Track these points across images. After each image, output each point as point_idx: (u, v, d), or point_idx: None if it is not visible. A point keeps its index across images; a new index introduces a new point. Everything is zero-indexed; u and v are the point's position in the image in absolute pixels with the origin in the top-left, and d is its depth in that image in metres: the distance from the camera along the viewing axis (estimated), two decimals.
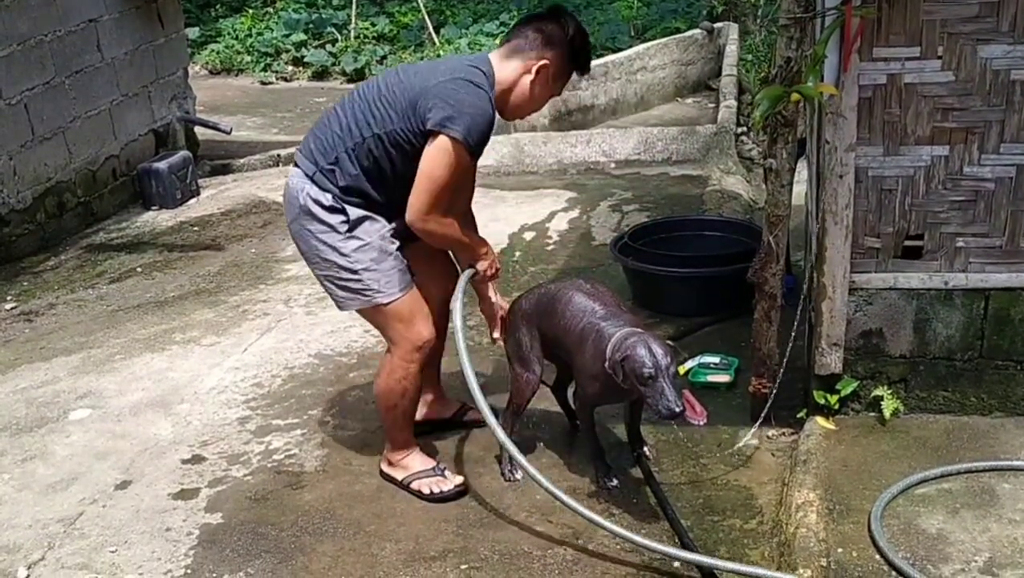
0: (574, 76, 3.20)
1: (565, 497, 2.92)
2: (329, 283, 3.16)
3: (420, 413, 3.53)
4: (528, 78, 3.05)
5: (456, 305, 3.20)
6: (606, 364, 2.90)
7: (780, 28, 3.07)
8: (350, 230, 3.05)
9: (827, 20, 2.95)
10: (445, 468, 3.33)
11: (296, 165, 3.14)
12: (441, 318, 3.34)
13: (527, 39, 3.05)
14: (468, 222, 3.34)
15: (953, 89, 3.03)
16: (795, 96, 2.90)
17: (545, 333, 3.25)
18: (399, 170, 3.01)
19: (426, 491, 3.24)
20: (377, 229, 3.08)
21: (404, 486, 3.29)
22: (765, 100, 2.92)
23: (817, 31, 3.07)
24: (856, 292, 3.27)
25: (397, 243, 3.12)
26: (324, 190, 3.04)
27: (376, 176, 3.03)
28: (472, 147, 2.94)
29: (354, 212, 3.05)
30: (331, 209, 3.04)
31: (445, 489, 3.24)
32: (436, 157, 2.92)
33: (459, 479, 3.28)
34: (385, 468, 3.37)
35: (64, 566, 3.03)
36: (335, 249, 3.06)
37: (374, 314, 3.17)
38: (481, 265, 3.24)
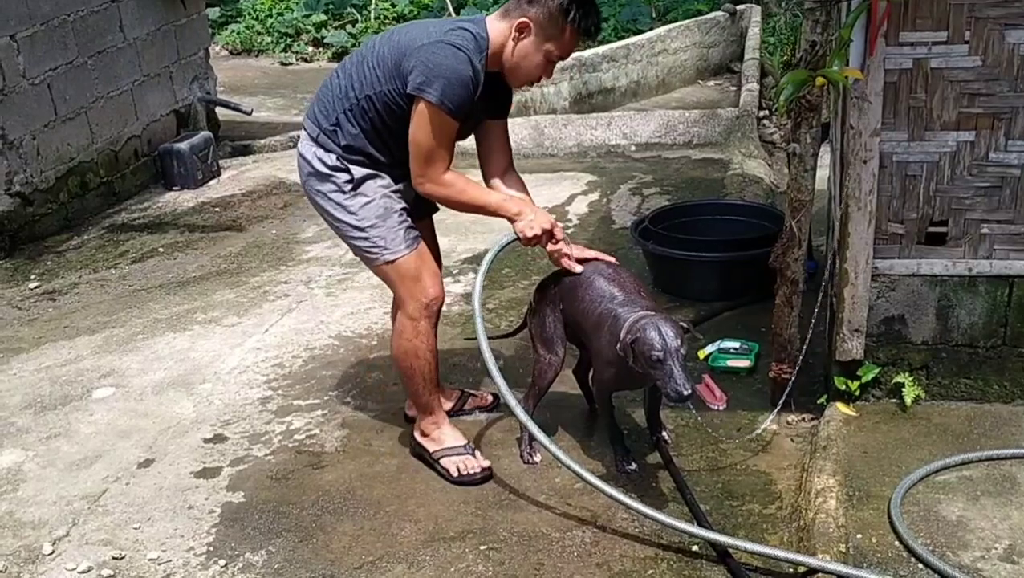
0: (588, 48, 3.13)
1: (587, 475, 2.94)
2: (345, 241, 3.24)
3: None
4: (512, 39, 3.00)
5: (477, 282, 3.20)
6: (617, 346, 2.89)
7: (805, 11, 3.05)
8: (354, 188, 3.11)
9: (853, 3, 2.93)
10: (475, 448, 3.33)
11: (304, 129, 3.19)
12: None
13: (515, 0, 3.02)
14: (511, 184, 3.28)
15: (980, 74, 3.00)
16: (820, 80, 2.88)
17: (567, 316, 3.25)
18: (395, 129, 3.05)
19: (453, 472, 3.23)
20: (382, 186, 3.13)
21: (434, 461, 3.29)
22: (790, 84, 2.90)
23: (843, 14, 3.04)
24: (879, 278, 3.25)
25: (403, 203, 3.16)
26: (328, 151, 3.10)
27: (375, 135, 3.08)
28: (452, 110, 2.91)
29: (358, 171, 3.10)
30: (335, 168, 3.10)
31: (472, 471, 3.23)
32: (416, 121, 2.96)
33: (486, 462, 3.28)
34: (418, 437, 3.37)
35: (88, 542, 3.07)
36: (343, 207, 3.13)
37: (383, 272, 3.22)
38: (517, 227, 3.16)
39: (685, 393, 2.76)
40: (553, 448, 2.99)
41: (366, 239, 3.14)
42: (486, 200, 3.14)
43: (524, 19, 2.97)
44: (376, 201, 3.11)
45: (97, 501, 3.27)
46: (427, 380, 3.29)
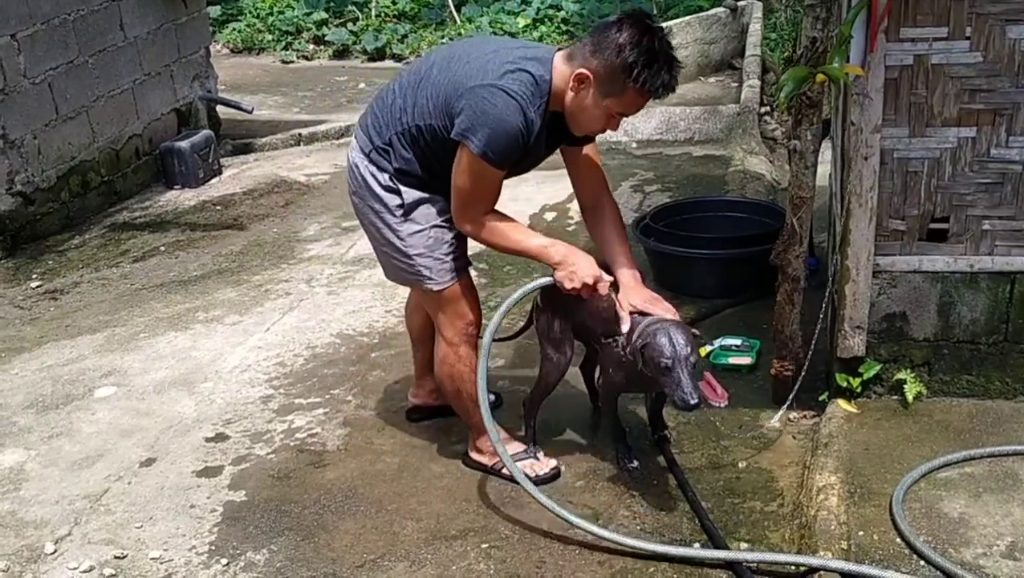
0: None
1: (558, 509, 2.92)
2: (383, 257, 3.17)
3: (417, 398, 3.58)
4: (571, 89, 2.81)
5: (495, 318, 3.07)
6: (627, 350, 2.89)
7: (806, 8, 3.04)
8: (405, 214, 3.01)
9: (854, 0, 2.92)
10: (538, 450, 3.28)
11: (356, 137, 3.09)
12: None
13: (583, 44, 2.81)
14: (601, 213, 3.14)
15: (981, 70, 2.99)
16: (820, 77, 2.87)
17: (575, 316, 3.24)
18: (445, 160, 2.91)
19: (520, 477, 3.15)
20: (437, 213, 3.02)
21: (495, 472, 3.23)
22: (790, 81, 2.90)
23: (843, 11, 3.04)
24: (880, 275, 3.25)
25: (455, 231, 3.04)
26: (382, 169, 3.00)
27: (427, 162, 2.96)
28: (494, 160, 2.78)
29: (410, 194, 3.00)
30: (388, 189, 3.00)
31: (541, 472, 3.18)
32: (458, 167, 2.86)
33: (553, 462, 3.23)
34: (473, 455, 3.31)
35: (90, 541, 3.07)
36: (392, 229, 3.04)
37: (423, 296, 3.17)
38: (557, 276, 2.96)
39: (692, 402, 2.74)
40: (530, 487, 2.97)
41: (411, 266, 3.06)
42: (527, 245, 2.98)
43: (584, 71, 2.77)
44: (426, 231, 3.01)
45: (99, 500, 3.27)
46: (473, 401, 3.15)
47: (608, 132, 2.96)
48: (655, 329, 2.83)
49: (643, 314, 2.95)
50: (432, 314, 3.20)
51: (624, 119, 2.91)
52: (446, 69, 2.91)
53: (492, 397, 3.61)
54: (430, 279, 3.06)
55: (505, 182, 2.99)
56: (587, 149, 3.12)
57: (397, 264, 3.10)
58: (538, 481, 3.12)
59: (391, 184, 2.99)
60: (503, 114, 2.75)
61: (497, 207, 3.01)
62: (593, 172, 3.16)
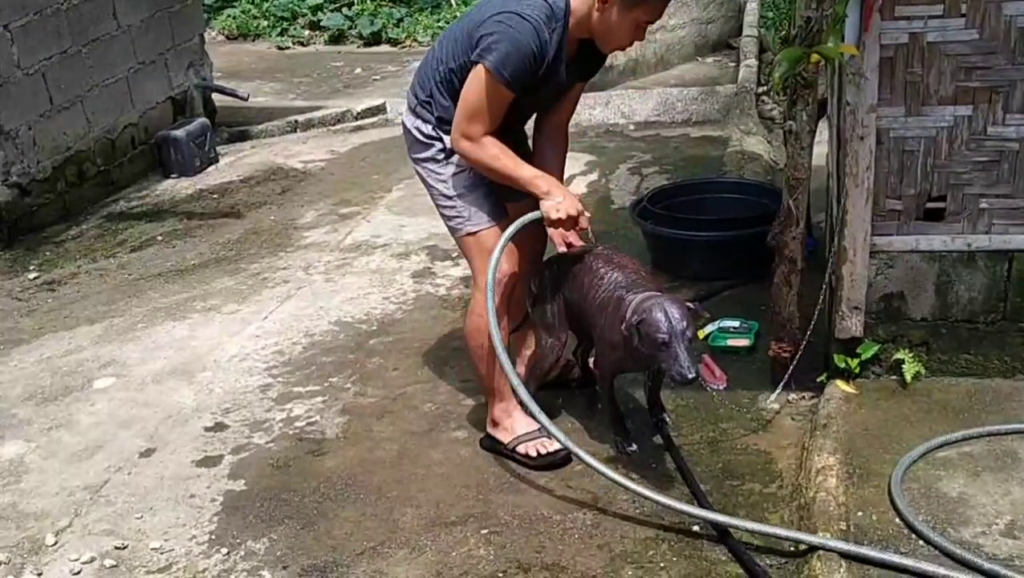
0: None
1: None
2: (439, 209, 3.27)
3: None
4: (596, 10, 2.95)
5: (494, 256, 3.08)
6: (623, 326, 2.88)
7: None
8: (447, 157, 3.16)
9: None
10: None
11: (406, 102, 3.26)
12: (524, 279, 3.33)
13: None
14: (554, 141, 3.31)
15: (977, 47, 2.98)
16: (815, 57, 2.85)
17: (568, 300, 3.24)
18: None
19: (532, 454, 3.19)
20: None
21: (510, 451, 3.24)
22: (785, 61, 2.88)
23: None
24: (877, 255, 3.24)
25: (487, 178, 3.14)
26: (425, 121, 3.17)
27: None
28: (506, 79, 2.91)
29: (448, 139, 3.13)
30: (431, 137, 3.16)
31: (551, 449, 3.18)
32: (470, 80, 2.97)
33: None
34: (490, 429, 3.32)
35: (91, 533, 3.08)
36: (436, 174, 3.20)
37: (464, 245, 3.24)
38: (544, 205, 3.05)
39: (690, 376, 2.75)
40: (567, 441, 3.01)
41: (453, 207, 3.19)
42: (518, 173, 3.06)
43: None
44: (466, 172, 3.15)
45: (99, 491, 3.28)
46: (490, 363, 3.20)
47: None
48: (650, 305, 2.83)
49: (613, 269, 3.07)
50: (470, 262, 3.27)
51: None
52: (471, 14, 3.11)
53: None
54: (468, 219, 3.17)
55: None
56: (578, 87, 3.24)
57: (444, 211, 3.23)
58: (550, 457, 3.16)
59: (433, 133, 3.16)
60: (516, 34, 2.89)
61: None
62: (572, 107, 3.31)
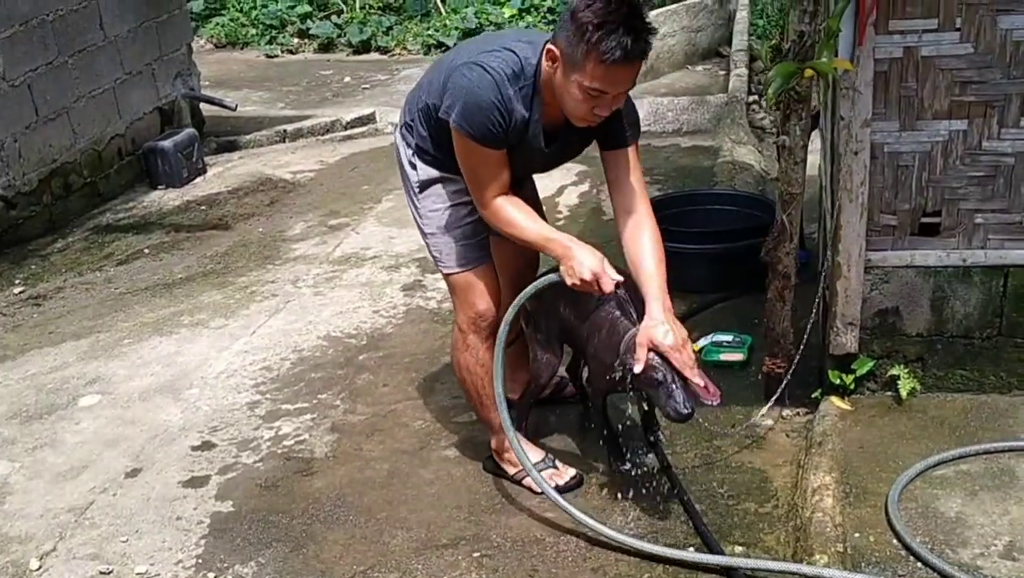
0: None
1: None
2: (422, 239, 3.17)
3: (514, 393, 3.41)
4: (546, 68, 2.69)
5: (508, 313, 2.96)
6: (616, 362, 2.84)
7: (794, 1, 2.99)
8: (422, 190, 3.03)
9: None
10: (555, 458, 3.20)
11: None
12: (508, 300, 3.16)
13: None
14: (638, 229, 2.91)
15: (972, 61, 2.95)
16: (808, 72, 2.82)
17: (563, 317, 3.19)
18: (450, 138, 2.86)
19: (538, 488, 3.07)
20: (450, 194, 2.99)
21: (516, 481, 3.18)
22: (778, 77, 2.85)
23: (831, 3, 2.99)
24: (872, 270, 3.21)
25: (474, 216, 2.98)
26: (407, 145, 3.04)
27: (439, 140, 2.92)
28: (472, 135, 2.71)
29: (425, 171, 3.00)
30: (410, 164, 3.03)
31: (561, 482, 3.10)
32: (455, 147, 2.83)
33: (572, 471, 3.16)
34: (495, 456, 3.24)
35: (75, 557, 3.02)
36: (414, 205, 3.09)
37: (444, 279, 3.15)
38: (562, 269, 2.80)
39: (685, 412, 2.70)
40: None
41: (429, 245, 3.10)
42: (531, 234, 2.83)
43: (551, 46, 2.64)
44: (442, 211, 3.00)
45: (84, 513, 3.22)
46: (484, 396, 3.12)
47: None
48: None
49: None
50: (451, 295, 3.19)
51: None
52: (459, 49, 2.97)
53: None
54: (440, 260, 3.07)
55: None
56: (628, 154, 2.91)
57: (425, 243, 3.13)
58: (561, 490, 3.07)
59: (412, 160, 3.01)
60: (475, 87, 2.69)
61: None
62: (631, 184, 2.92)
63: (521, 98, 2.72)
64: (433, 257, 3.13)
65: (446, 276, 3.10)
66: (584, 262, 2.75)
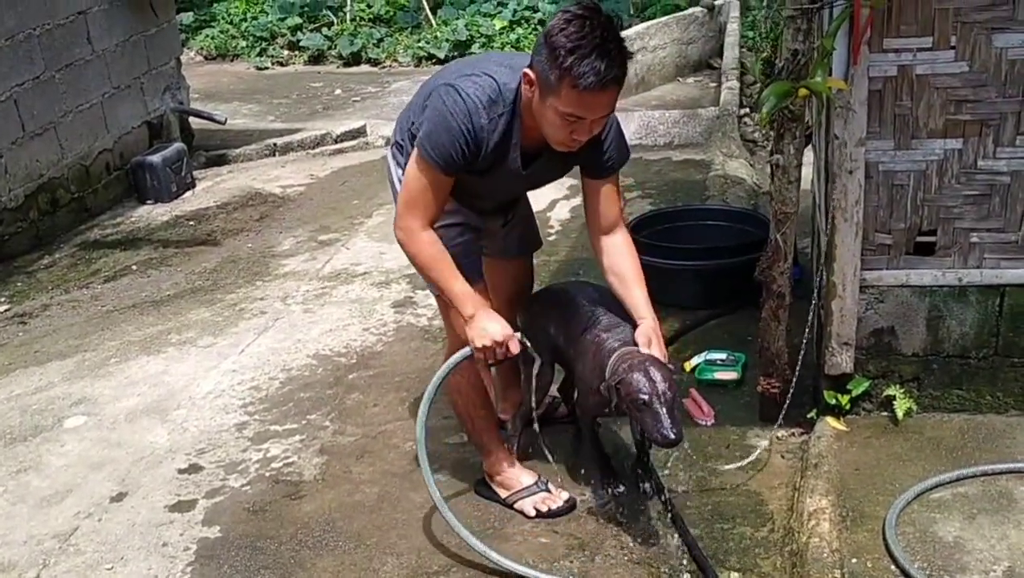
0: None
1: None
2: None
3: (505, 413, 3.44)
4: (525, 94, 2.65)
5: (428, 392, 2.89)
6: (602, 386, 2.80)
7: (786, 19, 2.96)
8: None
9: (835, 11, 2.84)
10: (548, 481, 3.15)
11: None
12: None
13: None
14: (615, 253, 2.91)
15: (967, 80, 2.92)
16: (803, 92, 2.79)
17: (553, 337, 3.16)
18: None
19: (531, 512, 3.06)
20: (443, 215, 2.91)
21: (508, 506, 3.12)
22: (772, 96, 2.81)
23: (825, 21, 2.96)
24: (867, 290, 3.17)
25: (463, 237, 2.94)
26: (397, 164, 2.96)
27: None
28: (432, 158, 2.66)
29: None
30: (399, 180, 2.92)
31: (553, 506, 3.06)
32: (408, 165, 2.78)
33: (565, 495, 3.11)
34: (487, 480, 3.20)
35: None
36: None
37: (436, 300, 3.09)
38: (468, 332, 2.76)
39: (672, 438, 2.63)
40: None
41: None
42: (447, 285, 2.78)
43: (528, 70, 2.60)
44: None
45: (68, 540, 3.16)
46: (474, 418, 3.09)
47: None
48: (630, 364, 2.72)
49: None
50: (441, 316, 3.13)
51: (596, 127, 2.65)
52: (440, 71, 2.94)
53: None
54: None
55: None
56: (608, 183, 2.90)
57: None
58: (552, 515, 3.04)
59: (401, 178, 2.92)
60: (445, 111, 2.65)
61: None
62: (607, 211, 2.91)
63: (498, 124, 2.68)
64: (422, 277, 3.06)
65: (437, 297, 3.05)
66: (487, 329, 2.73)
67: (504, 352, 2.75)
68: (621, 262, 2.92)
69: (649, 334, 2.83)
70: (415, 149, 2.73)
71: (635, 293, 2.89)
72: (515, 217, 3.20)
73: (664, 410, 2.64)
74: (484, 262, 3.21)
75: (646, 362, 2.71)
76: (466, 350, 2.82)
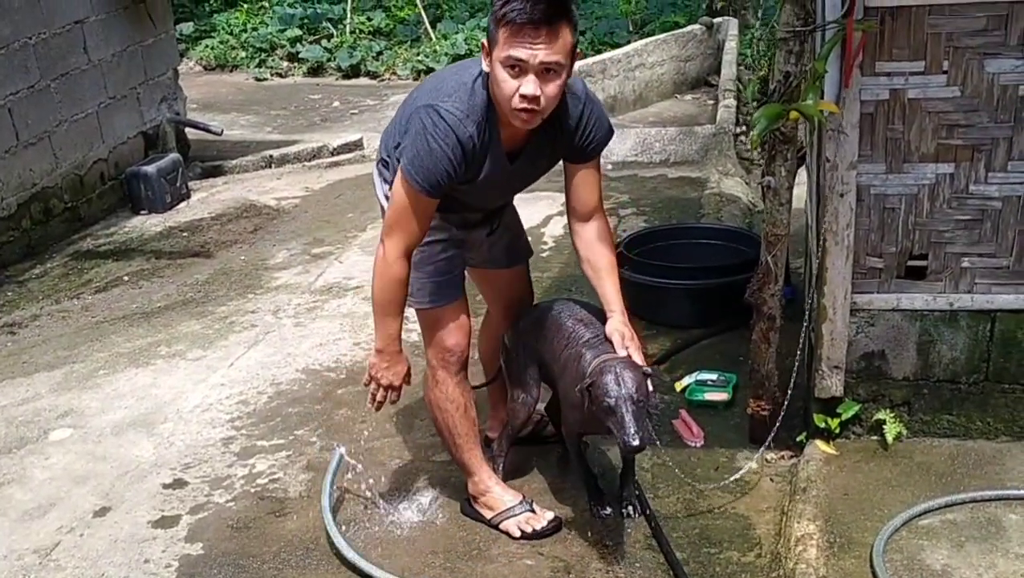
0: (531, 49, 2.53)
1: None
2: None
3: (493, 431, 3.44)
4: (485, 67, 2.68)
5: (326, 481, 3.11)
6: (576, 388, 2.77)
7: (778, 42, 2.95)
8: None
9: (827, 34, 2.84)
10: (533, 501, 3.12)
11: None
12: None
13: None
14: (591, 235, 2.97)
15: (959, 105, 2.91)
16: (794, 115, 2.78)
17: (538, 356, 3.14)
18: None
19: (516, 533, 3.03)
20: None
21: (493, 526, 3.09)
22: (763, 119, 2.80)
23: (817, 44, 2.95)
24: (858, 313, 3.16)
25: (448, 253, 2.98)
26: (384, 181, 2.96)
27: None
28: (418, 183, 2.68)
29: None
30: (386, 198, 2.92)
31: (538, 527, 3.03)
32: (394, 186, 2.79)
33: (550, 515, 3.08)
34: (472, 501, 3.17)
35: None
36: None
37: (416, 314, 3.09)
38: (371, 359, 2.96)
39: (633, 444, 2.58)
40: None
41: None
42: (380, 316, 2.88)
43: (483, 41, 2.69)
44: (415, 249, 2.92)
45: (49, 555, 3.13)
46: (456, 435, 3.07)
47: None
48: (602, 367, 2.70)
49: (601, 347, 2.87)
50: (421, 331, 3.14)
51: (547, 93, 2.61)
52: (417, 88, 2.93)
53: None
54: (412, 296, 2.98)
55: None
56: (589, 168, 2.95)
57: None
58: (537, 535, 3.01)
59: (388, 195, 2.92)
60: (429, 135, 2.67)
61: None
62: (587, 195, 2.97)
63: (477, 127, 2.70)
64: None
65: (417, 311, 3.05)
66: (389, 373, 2.93)
67: (384, 394, 2.96)
68: (596, 252, 2.98)
69: (620, 329, 2.87)
70: (399, 173, 2.73)
71: (606, 285, 2.95)
72: (500, 227, 3.18)
73: (630, 414, 2.59)
74: (477, 274, 3.23)
75: (618, 365, 2.68)
76: (337, 454, 3.19)
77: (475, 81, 2.71)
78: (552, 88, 2.62)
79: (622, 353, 2.80)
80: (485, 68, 2.68)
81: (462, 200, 2.92)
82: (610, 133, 2.94)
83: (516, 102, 2.61)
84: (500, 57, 2.59)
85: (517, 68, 2.58)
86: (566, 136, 2.82)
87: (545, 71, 2.58)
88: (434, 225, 2.89)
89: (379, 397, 2.97)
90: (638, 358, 2.80)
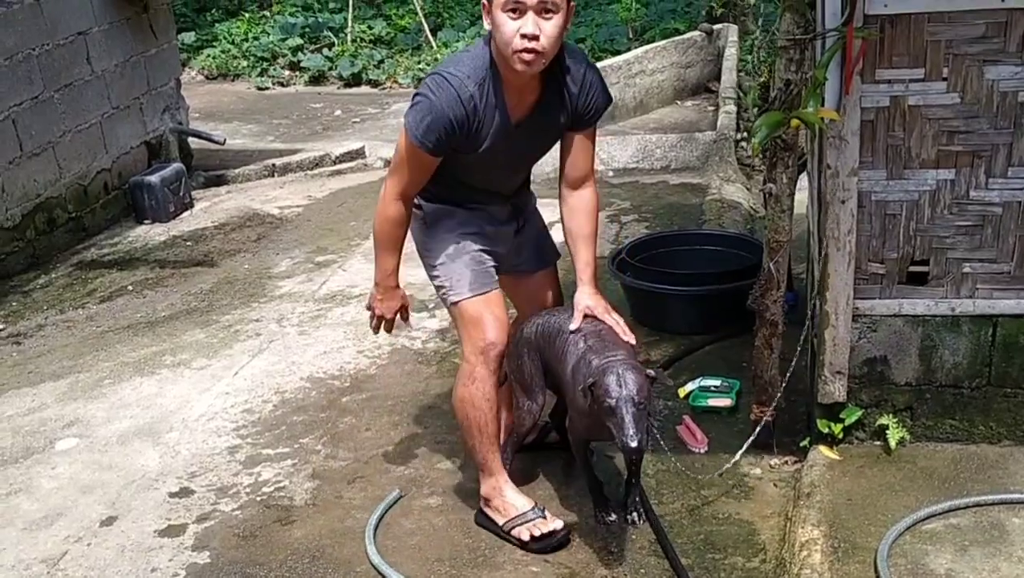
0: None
1: None
2: (428, 274, 3.20)
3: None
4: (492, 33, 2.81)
5: (372, 519, 3.19)
6: (579, 389, 2.79)
7: (779, 49, 2.97)
8: (427, 225, 3.10)
9: (827, 42, 2.86)
10: (544, 508, 3.12)
11: None
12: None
13: None
14: (577, 200, 3.07)
15: (959, 111, 2.93)
16: (795, 122, 2.80)
17: (545, 362, 3.15)
18: (449, 164, 2.93)
19: (526, 538, 3.02)
20: (455, 224, 3.07)
21: (504, 534, 3.09)
22: (764, 127, 2.82)
23: (817, 52, 2.97)
24: (860, 319, 3.17)
25: (479, 246, 3.07)
26: None
27: (437, 177, 2.98)
28: (418, 138, 2.80)
29: (429, 206, 3.09)
30: (416, 204, 3.07)
31: (546, 531, 3.03)
32: (399, 137, 2.91)
33: (560, 522, 3.07)
34: (483, 507, 3.16)
35: None
36: (421, 242, 3.15)
37: (450, 313, 3.16)
38: (372, 290, 3.16)
39: (632, 445, 2.59)
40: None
41: (437, 276, 3.11)
42: (379, 253, 3.07)
43: (484, 1, 2.79)
44: (449, 240, 3.07)
45: (57, 565, 3.14)
46: (484, 434, 3.06)
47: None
48: (605, 368, 2.71)
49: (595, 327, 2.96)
50: (457, 331, 3.19)
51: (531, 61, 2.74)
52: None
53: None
54: (450, 289, 3.05)
55: None
56: (586, 133, 3.04)
57: (431, 278, 3.16)
58: (546, 538, 3.02)
59: (417, 199, 3.06)
60: (435, 98, 2.79)
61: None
62: (581, 160, 3.07)
63: (479, 87, 2.81)
64: (442, 293, 3.11)
65: (455, 305, 3.06)
66: (387, 305, 3.13)
67: (377, 321, 3.17)
68: (578, 220, 3.10)
69: (588, 301, 3.00)
70: (403, 128, 2.85)
71: (581, 254, 3.09)
72: (526, 225, 3.23)
73: (630, 416, 2.61)
74: (509, 281, 3.27)
75: (621, 366, 2.69)
76: (394, 494, 3.29)
77: (480, 48, 2.85)
78: (551, 28, 2.72)
79: (610, 323, 2.94)
80: (487, 26, 2.78)
81: (470, 183, 3.01)
82: (609, 100, 3.04)
83: (517, 43, 2.70)
84: (500, 2, 2.71)
85: (516, 10, 2.69)
86: (570, 100, 2.92)
87: (544, 10, 2.69)
88: (464, 219, 3.03)
89: (373, 325, 3.20)
90: (623, 329, 2.94)
